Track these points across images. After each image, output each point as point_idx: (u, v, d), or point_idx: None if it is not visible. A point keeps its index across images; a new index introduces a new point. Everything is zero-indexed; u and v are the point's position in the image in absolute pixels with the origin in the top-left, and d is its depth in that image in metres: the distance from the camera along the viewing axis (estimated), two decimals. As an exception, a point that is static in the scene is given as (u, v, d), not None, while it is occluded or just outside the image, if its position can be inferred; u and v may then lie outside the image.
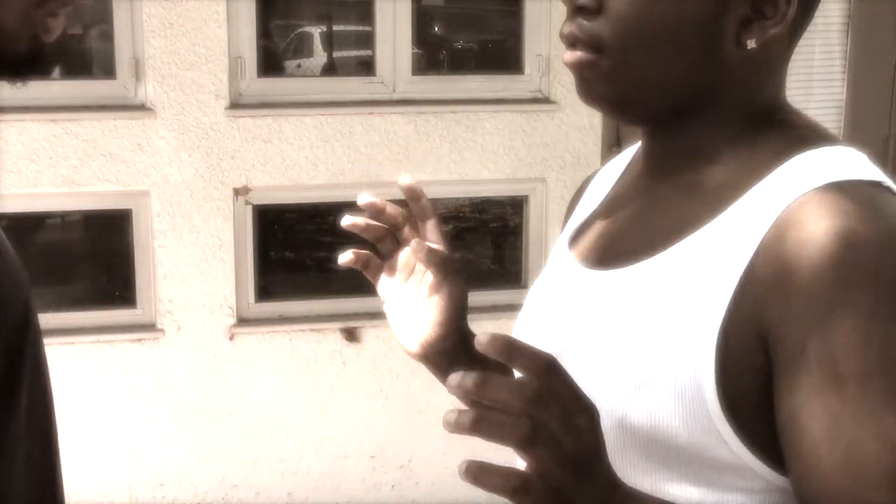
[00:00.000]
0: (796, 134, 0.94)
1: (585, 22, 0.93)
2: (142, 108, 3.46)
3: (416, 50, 3.75)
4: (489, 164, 3.72)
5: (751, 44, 0.92)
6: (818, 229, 0.82)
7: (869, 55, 3.61)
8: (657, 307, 0.90)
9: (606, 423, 0.85)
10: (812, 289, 0.81)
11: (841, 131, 3.67)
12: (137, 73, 3.45)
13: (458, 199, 4.11)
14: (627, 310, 0.93)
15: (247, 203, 3.59)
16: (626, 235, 0.99)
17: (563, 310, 1.01)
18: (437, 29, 4.36)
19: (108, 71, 3.51)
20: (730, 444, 0.85)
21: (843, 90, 3.64)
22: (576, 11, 0.94)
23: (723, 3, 0.90)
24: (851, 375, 0.78)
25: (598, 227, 1.05)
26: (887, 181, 0.90)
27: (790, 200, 0.86)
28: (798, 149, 0.91)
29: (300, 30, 4.60)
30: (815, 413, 0.79)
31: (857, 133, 3.66)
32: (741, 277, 0.85)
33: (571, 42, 0.95)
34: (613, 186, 1.09)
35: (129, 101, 3.48)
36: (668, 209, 0.96)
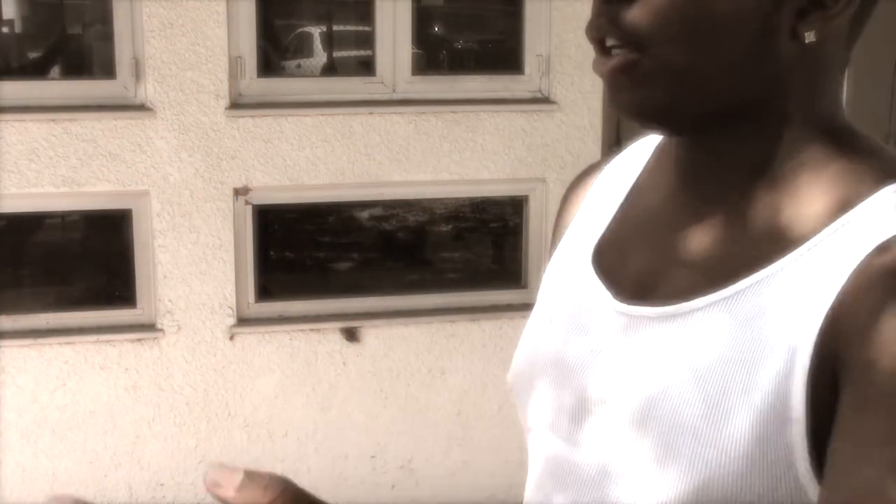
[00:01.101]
0: (878, 159, 0.81)
1: (619, 13, 0.79)
2: (142, 108, 3.46)
3: (416, 50, 3.75)
4: (489, 164, 3.72)
5: (809, 36, 0.79)
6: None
7: (869, 55, 3.61)
8: (729, 358, 0.77)
9: (681, 488, 0.78)
10: (885, 320, 0.70)
11: (841, 131, 3.68)
12: (137, 73, 3.45)
13: (458, 199, 4.11)
14: (691, 360, 0.79)
15: (247, 203, 3.59)
16: (673, 265, 0.85)
17: (594, 349, 0.87)
18: (437, 29, 4.36)
19: (108, 71, 3.51)
20: (809, 494, 0.74)
21: (843, 90, 3.65)
22: (605, 4, 0.80)
23: None
24: None
25: (630, 250, 0.90)
26: None
27: (882, 238, 0.74)
28: (885, 180, 0.78)
29: (300, 30, 4.60)
30: (853, 475, 0.68)
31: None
32: (824, 322, 0.74)
33: (601, 36, 0.81)
34: (633, 195, 0.95)
35: (128, 101, 3.48)
36: (723, 237, 0.83)
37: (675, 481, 0.78)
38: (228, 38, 3.49)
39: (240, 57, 3.53)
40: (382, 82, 3.68)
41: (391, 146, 3.64)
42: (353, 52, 4.48)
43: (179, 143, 3.49)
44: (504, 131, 3.71)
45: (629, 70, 0.80)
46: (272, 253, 4.01)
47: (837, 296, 0.73)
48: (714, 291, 0.79)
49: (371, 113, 3.63)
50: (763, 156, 0.82)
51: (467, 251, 4.41)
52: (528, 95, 3.76)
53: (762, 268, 0.78)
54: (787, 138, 0.82)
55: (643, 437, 0.81)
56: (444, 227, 4.32)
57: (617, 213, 0.94)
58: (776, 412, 0.74)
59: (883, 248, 0.73)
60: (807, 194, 0.80)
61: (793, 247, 0.78)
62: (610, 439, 0.84)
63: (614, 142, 3.68)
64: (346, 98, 3.65)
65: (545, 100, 3.74)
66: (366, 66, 3.84)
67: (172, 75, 3.45)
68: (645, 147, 0.99)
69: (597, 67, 0.82)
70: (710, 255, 0.83)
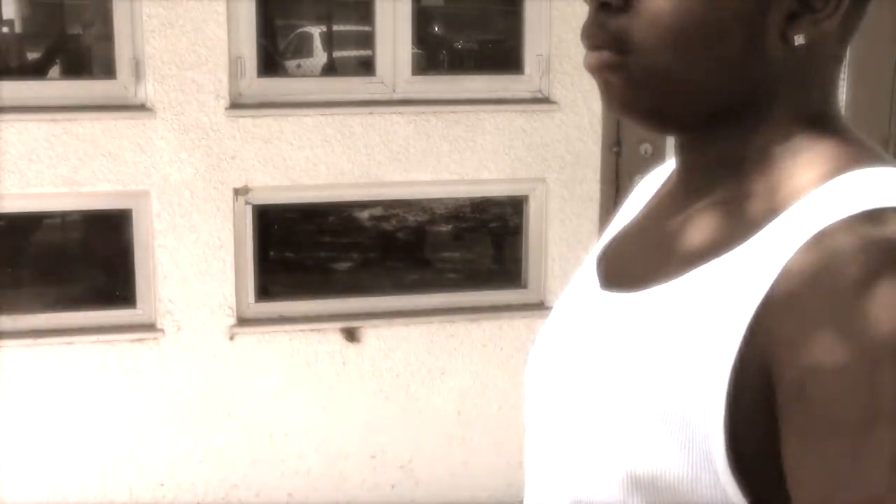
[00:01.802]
0: (846, 150, 0.82)
1: (610, 19, 0.82)
2: (142, 108, 3.46)
3: (416, 50, 3.75)
4: (489, 164, 3.72)
5: (798, 39, 0.81)
6: (839, 263, 0.72)
7: (869, 55, 3.61)
8: (666, 342, 0.80)
9: (613, 469, 0.81)
10: (818, 323, 0.71)
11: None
12: (137, 73, 3.45)
13: (458, 199, 4.11)
14: (634, 343, 0.83)
15: (247, 203, 3.59)
16: (650, 255, 0.89)
17: (577, 332, 0.92)
18: (437, 29, 4.36)
19: (108, 71, 3.51)
20: (727, 492, 0.76)
21: (843, 90, 3.64)
22: (599, 8, 0.83)
23: None
24: (850, 424, 0.68)
25: (624, 245, 0.96)
26: None
27: (815, 231, 0.75)
28: (844, 168, 0.80)
29: (300, 30, 4.60)
30: (810, 467, 0.69)
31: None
32: (752, 319, 0.75)
33: (594, 42, 0.84)
34: (648, 202, 0.99)
35: (129, 101, 3.48)
36: (700, 228, 0.86)
37: (610, 464, 0.81)
38: (228, 38, 3.49)
39: (240, 57, 3.53)
40: (382, 82, 3.68)
41: (391, 146, 3.64)
42: (353, 52, 4.49)
43: (179, 143, 3.49)
44: (504, 131, 3.71)
45: (616, 69, 0.83)
46: (272, 253, 4.01)
47: (769, 290, 0.75)
48: (668, 280, 0.83)
49: (371, 113, 3.63)
50: (748, 152, 0.85)
51: (467, 251, 4.42)
52: (528, 95, 3.76)
53: (710, 261, 0.81)
54: (773, 134, 0.84)
55: (589, 419, 0.85)
56: (444, 227, 4.32)
57: (634, 216, 0.99)
58: (699, 401, 0.76)
59: (815, 242, 0.74)
60: (774, 186, 0.82)
61: (742, 238, 0.80)
62: (568, 423, 0.88)
63: (614, 142, 3.67)
64: (346, 98, 3.65)
65: (545, 100, 3.74)
66: (366, 66, 3.84)
67: (172, 75, 3.45)
68: None
69: (586, 62, 0.85)
70: (683, 247, 0.85)
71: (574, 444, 0.86)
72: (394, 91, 3.69)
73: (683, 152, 0.90)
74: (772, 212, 0.80)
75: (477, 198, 4.07)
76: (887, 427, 0.66)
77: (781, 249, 0.76)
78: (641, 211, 0.99)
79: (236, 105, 3.54)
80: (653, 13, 0.81)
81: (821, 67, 0.84)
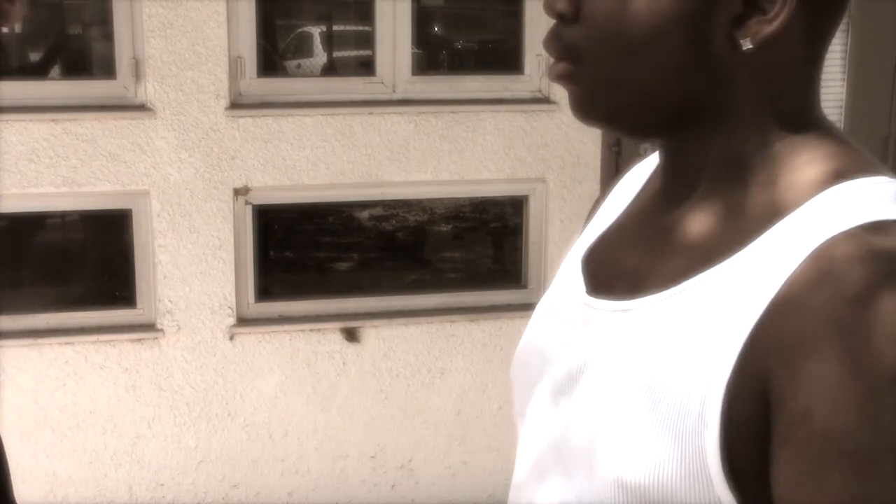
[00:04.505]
0: (835, 159, 0.81)
1: (564, 30, 0.84)
2: (142, 108, 3.46)
3: (416, 50, 3.75)
4: (489, 164, 3.72)
5: (745, 44, 0.79)
6: (846, 283, 0.70)
7: (869, 55, 3.61)
8: (662, 354, 0.80)
9: (606, 478, 0.81)
10: (825, 349, 0.69)
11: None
12: (137, 73, 3.45)
13: (458, 199, 4.11)
14: (630, 352, 0.83)
15: (247, 203, 3.59)
16: (641, 261, 0.89)
17: (567, 339, 0.92)
18: (437, 29, 4.36)
19: (108, 71, 3.51)
20: (721, 499, 0.75)
21: (843, 90, 3.65)
22: (557, 19, 0.85)
23: (709, 1, 0.79)
24: (855, 455, 0.67)
25: (611, 248, 0.95)
26: None
27: (818, 242, 0.74)
28: (841, 176, 0.79)
29: (300, 30, 4.60)
30: (808, 495, 0.68)
31: (857, 133, 3.66)
32: (752, 330, 0.74)
33: (552, 53, 0.86)
34: (632, 201, 0.99)
35: (129, 101, 3.48)
36: (693, 234, 0.85)
37: (604, 472, 0.81)
38: (228, 38, 3.49)
39: (240, 57, 3.53)
40: (382, 82, 3.68)
41: (391, 146, 3.64)
42: (353, 52, 4.49)
43: (179, 143, 3.49)
44: (504, 131, 3.71)
45: (571, 78, 0.85)
46: (272, 253, 4.01)
47: (770, 304, 0.74)
48: (661, 290, 0.83)
49: (371, 113, 3.63)
50: (725, 156, 0.84)
51: (467, 251, 4.41)
52: (528, 95, 3.76)
53: (705, 269, 0.80)
54: (747, 139, 0.83)
55: (589, 427, 0.85)
56: (444, 227, 4.32)
57: (617, 217, 0.99)
58: (694, 413, 0.76)
59: (818, 255, 0.73)
60: (761, 194, 0.81)
61: (740, 245, 0.79)
62: (572, 427, 0.87)
63: (614, 142, 3.68)
64: (346, 98, 3.65)
65: (545, 100, 3.74)
66: (366, 66, 3.84)
67: (172, 75, 3.45)
68: None
69: (548, 72, 0.89)
70: (665, 254, 0.86)
71: (569, 450, 0.86)
72: (394, 91, 3.69)
73: (664, 156, 0.91)
74: (768, 220, 0.79)
75: (477, 198, 4.07)
76: (890, 461, 0.66)
77: (782, 260, 0.75)
78: (626, 210, 0.98)
79: (236, 105, 3.54)
80: (596, 22, 0.82)
81: (786, 70, 0.82)
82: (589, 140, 3.76)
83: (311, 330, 3.67)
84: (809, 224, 0.76)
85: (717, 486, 0.75)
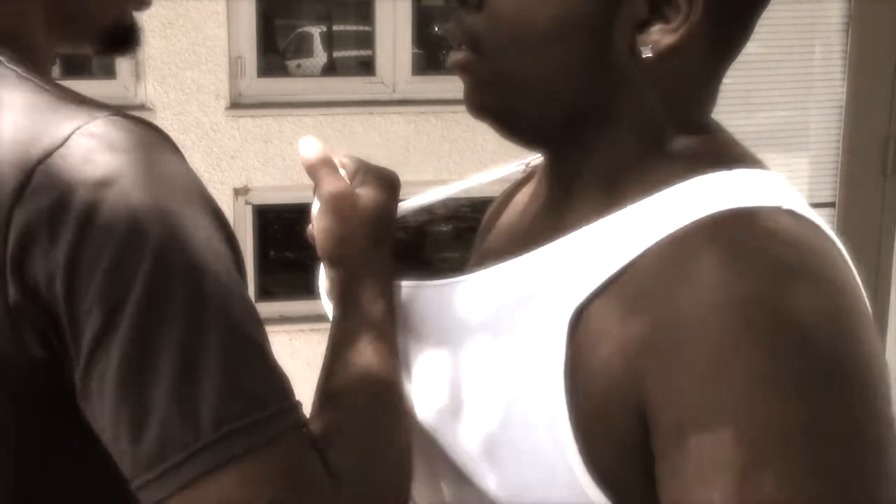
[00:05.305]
0: (707, 154, 0.79)
1: (467, 17, 0.81)
2: (142, 108, 3.46)
3: (416, 50, 3.75)
4: (489, 164, 3.71)
5: (646, 51, 0.76)
6: (709, 278, 0.67)
7: (869, 55, 3.61)
8: (498, 329, 0.78)
9: (460, 484, 0.80)
10: (692, 353, 0.67)
11: (841, 131, 3.67)
12: (137, 73, 3.45)
13: (458, 199, 4.10)
14: (463, 335, 0.83)
15: (247, 203, 3.59)
16: (506, 244, 0.90)
17: (419, 323, 0.93)
18: (437, 29, 4.36)
19: (108, 71, 3.51)
20: None
21: (843, 90, 3.64)
22: (460, 6, 0.82)
23: (614, 2, 0.76)
24: (731, 467, 0.64)
25: (493, 245, 0.99)
26: (801, 209, 0.74)
27: (675, 227, 0.72)
28: (701, 169, 0.76)
29: (300, 30, 4.60)
30: None
31: (857, 133, 3.66)
32: (580, 307, 0.73)
33: (453, 40, 0.83)
34: (514, 211, 0.99)
35: (129, 101, 3.48)
36: (541, 219, 0.85)
37: (472, 465, 0.80)
38: (228, 38, 3.49)
39: (240, 57, 3.53)
40: (382, 82, 3.68)
41: (391, 146, 3.64)
42: (353, 52, 4.49)
43: (179, 143, 3.44)
44: (504, 131, 3.71)
45: (469, 69, 0.82)
46: (272, 253, 4.01)
47: (605, 287, 0.72)
48: (505, 261, 0.83)
49: (371, 113, 3.63)
50: (605, 168, 0.81)
51: (467, 251, 4.41)
52: (528, 95, 3.77)
53: (543, 244, 0.80)
54: (629, 147, 0.80)
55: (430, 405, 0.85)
56: (444, 227, 4.32)
57: (504, 222, 1.00)
58: (539, 400, 0.74)
59: (664, 247, 0.71)
60: (626, 191, 0.79)
61: (577, 227, 0.79)
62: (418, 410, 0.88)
63: (614, 142, 3.68)
64: (346, 98, 3.65)
65: (545, 100, 3.75)
66: (366, 66, 3.84)
67: (172, 75, 3.45)
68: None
69: (447, 60, 0.85)
70: (522, 235, 0.87)
71: (435, 431, 0.86)
72: (394, 91, 3.69)
73: (546, 161, 0.90)
74: (617, 204, 0.78)
75: (477, 198, 4.07)
76: (769, 474, 0.63)
77: (628, 242, 0.74)
78: (508, 219, 0.99)
79: (236, 105, 3.54)
80: (501, 13, 0.79)
81: (684, 83, 0.80)
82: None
83: (311, 330, 3.66)
84: (665, 209, 0.74)
85: (581, 478, 0.72)
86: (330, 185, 0.97)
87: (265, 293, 3.72)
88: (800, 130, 3.71)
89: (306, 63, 4.59)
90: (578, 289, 0.74)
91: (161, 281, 0.72)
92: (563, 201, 0.85)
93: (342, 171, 1.01)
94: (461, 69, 0.83)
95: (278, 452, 0.72)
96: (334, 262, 0.93)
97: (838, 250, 0.73)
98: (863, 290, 0.72)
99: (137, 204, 0.72)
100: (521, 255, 0.81)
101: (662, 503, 0.68)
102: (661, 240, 0.72)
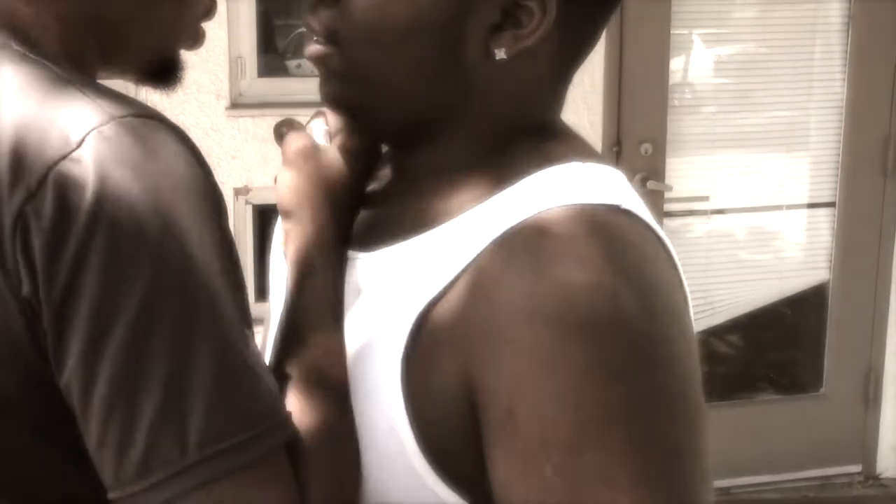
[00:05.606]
0: (548, 151, 0.81)
1: (324, 9, 0.82)
2: (142, 108, 3.46)
3: (416, 50, 3.75)
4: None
5: (499, 54, 0.79)
6: (535, 275, 0.71)
7: (869, 55, 3.60)
8: (367, 312, 0.82)
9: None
10: (518, 341, 0.70)
11: (841, 131, 3.67)
12: (137, 73, 3.45)
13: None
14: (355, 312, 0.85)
15: (247, 203, 3.59)
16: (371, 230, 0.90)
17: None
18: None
19: (108, 71, 3.51)
20: (438, 494, 0.75)
21: (843, 90, 3.64)
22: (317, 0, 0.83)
23: (467, 4, 0.78)
24: (561, 444, 0.68)
25: (366, 219, 0.96)
26: (636, 208, 0.77)
27: (514, 223, 0.74)
28: (547, 167, 0.79)
29: (300, 30, 4.60)
30: (524, 487, 0.69)
31: (857, 133, 3.66)
32: (428, 305, 0.75)
33: (310, 32, 0.85)
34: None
35: (129, 101, 3.48)
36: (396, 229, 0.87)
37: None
38: (228, 38, 3.49)
39: (240, 57, 3.53)
40: (382, 82, 3.68)
41: (391, 146, 3.64)
42: (353, 52, 4.48)
43: (179, 142, 3.49)
44: (504, 131, 3.71)
45: (324, 60, 0.84)
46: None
47: (454, 287, 0.75)
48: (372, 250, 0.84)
49: (371, 113, 3.62)
50: (450, 164, 0.83)
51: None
52: (528, 95, 3.76)
53: (395, 243, 0.82)
54: (475, 146, 0.83)
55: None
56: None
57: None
58: (383, 390, 0.76)
59: (501, 243, 0.74)
60: (470, 191, 0.81)
61: (422, 231, 0.81)
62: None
63: (614, 142, 3.67)
64: (346, 98, 3.65)
65: (545, 100, 3.74)
66: (366, 66, 3.84)
67: (172, 75, 3.45)
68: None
69: (305, 52, 0.87)
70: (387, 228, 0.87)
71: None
72: (394, 91, 3.69)
73: (391, 154, 0.92)
74: (458, 211, 0.80)
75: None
76: (596, 448, 0.68)
77: (471, 240, 0.76)
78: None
79: (236, 105, 3.54)
80: (356, 8, 0.80)
81: (533, 84, 0.83)
82: (589, 140, 3.75)
83: (311, 330, 3.66)
84: (499, 209, 0.77)
85: (425, 476, 0.75)
86: (292, 140, 1.01)
87: (264, 293, 3.71)
88: (800, 130, 3.70)
89: (306, 63, 4.58)
90: (426, 288, 0.76)
91: (158, 295, 0.72)
92: (412, 198, 0.86)
93: (324, 126, 1.02)
94: (317, 60, 0.84)
95: (262, 473, 0.73)
96: (285, 214, 0.93)
97: (666, 251, 0.78)
98: (685, 289, 0.78)
99: (141, 217, 0.73)
100: (386, 245, 0.83)
101: (495, 486, 0.71)
102: (501, 235, 0.74)
